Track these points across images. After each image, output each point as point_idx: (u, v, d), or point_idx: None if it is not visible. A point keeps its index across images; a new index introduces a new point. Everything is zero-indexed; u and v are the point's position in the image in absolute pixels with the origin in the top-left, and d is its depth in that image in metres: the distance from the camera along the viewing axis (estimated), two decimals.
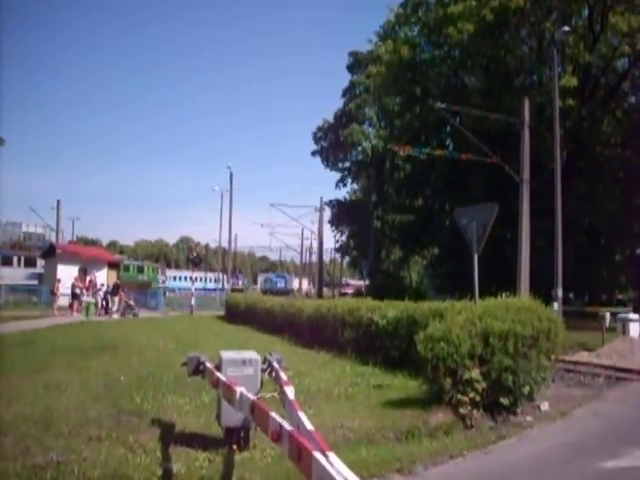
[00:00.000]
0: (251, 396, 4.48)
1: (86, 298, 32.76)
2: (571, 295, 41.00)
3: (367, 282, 60.77)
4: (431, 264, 53.19)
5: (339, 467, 2.82)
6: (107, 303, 35.26)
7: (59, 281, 34.49)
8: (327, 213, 61.86)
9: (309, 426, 3.72)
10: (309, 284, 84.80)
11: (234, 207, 56.87)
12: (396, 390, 10.37)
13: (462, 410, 8.56)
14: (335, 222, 64.40)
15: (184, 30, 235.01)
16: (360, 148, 58.44)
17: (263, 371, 6.81)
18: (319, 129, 63.04)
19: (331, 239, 70.91)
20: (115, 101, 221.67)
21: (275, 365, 6.59)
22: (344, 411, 8.78)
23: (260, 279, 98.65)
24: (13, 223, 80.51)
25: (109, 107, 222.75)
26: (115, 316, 33.53)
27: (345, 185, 64.13)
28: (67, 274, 36.15)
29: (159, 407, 8.76)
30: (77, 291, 33.41)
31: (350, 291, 74.93)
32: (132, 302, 35.94)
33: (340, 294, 66.62)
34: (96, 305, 34.63)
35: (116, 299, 36.18)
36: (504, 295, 11.03)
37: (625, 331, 17.40)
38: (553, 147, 24.39)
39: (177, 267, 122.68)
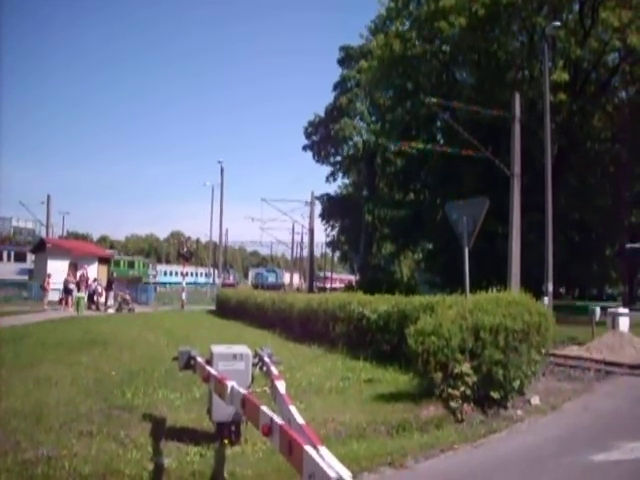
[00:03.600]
0: (242, 390, 4.47)
1: (77, 293, 32.59)
2: (562, 289, 41.17)
3: (357, 276, 60.83)
4: (423, 258, 53.26)
5: (330, 461, 2.82)
6: (97, 298, 35.11)
7: (49, 276, 34.31)
8: (318, 207, 61.82)
9: (300, 420, 3.71)
10: (300, 279, 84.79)
11: (225, 202, 56.83)
12: (387, 384, 10.38)
13: (453, 404, 8.59)
14: (326, 216, 64.31)
15: (176, 30, 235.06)
16: (351, 142, 58.42)
17: (254, 365, 6.79)
18: (310, 124, 62.85)
19: (322, 233, 70.95)
20: (106, 97, 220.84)
21: (266, 359, 6.57)
22: (335, 405, 8.78)
23: (251, 274, 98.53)
24: (3, 218, 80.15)
25: (100, 103, 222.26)
26: (110, 311, 33.42)
27: (335, 179, 64.20)
28: (57, 269, 35.97)
29: (150, 402, 8.74)
30: (71, 286, 33.26)
31: (329, 285, 74.89)
32: (128, 297, 35.81)
33: (318, 289, 65.89)
34: (93, 300, 34.52)
35: (111, 294, 36.07)
36: (495, 289, 11.07)
37: (615, 325, 17.47)
38: (544, 141, 24.47)
39: (168, 262, 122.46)
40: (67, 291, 33.27)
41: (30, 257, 50.27)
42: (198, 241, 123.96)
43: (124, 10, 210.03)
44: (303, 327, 17.97)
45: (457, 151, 27.44)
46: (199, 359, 6.68)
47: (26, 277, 47.57)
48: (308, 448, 2.91)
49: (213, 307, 35.29)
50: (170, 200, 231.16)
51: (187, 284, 43.17)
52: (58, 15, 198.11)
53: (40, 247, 43.76)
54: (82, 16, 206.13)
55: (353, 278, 76.88)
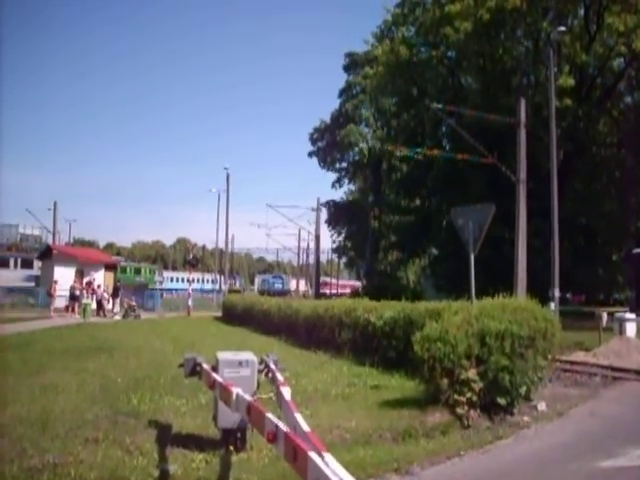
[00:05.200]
0: (247, 397, 4.48)
1: (84, 300, 32.67)
2: (568, 295, 40.91)
3: (364, 282, 60.62)
4: (430, 264, 53.03)
5: (335, 467, 2.82)
6: (104, 305, 35.22)
7: (56, 282, 34.42)
8: (324, 214, 61.77)
9: (305, 427, 3.71)
10: (306, 285, 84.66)
11: (231, 208, 56.90)
12: (393, 390, 10.37)
13: (459, 410, 8.56)
14: (332, 223, 64.24)
15: (180, 31, 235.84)
16: (357, 149, 58.44)
17: (260, 372, 6.79)
18: (316, 130, 62.87)
19: (328, 240, 70.85)
20: (112, 102, 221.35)
21: (272, 366, 6.57)
22: (341, 412, 8.77)
23: (257, 280, 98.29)
24: (10, 225, 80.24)
25: (106, 108, 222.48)
26: (116, 317, 33.52)
27: (341, 186, 64.14)
28: (64, 276, 36.10)
29: (156, 408, 8.75)
30: (77, 293, 33.35)
31: (333, 291, 74.36)
32: (134, 304, 35.92)
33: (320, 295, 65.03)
34: (101, 307, 34.65)
35: (117, 301, 36.15)
36: (501, 295, 11.04)
37: (622, 331, 17.35)
38: (550, 147, 24.41)
39: (174, 268, 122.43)
40: (73, 298, 33.40)
41: (37, 264, 50.32)
42: (204, 247, 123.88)
43: (127, 9, 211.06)
44: (309, 333, 17.97)
45: (463, 157, 27.40)
46: (205, 366, 6.67)
47: (33, 284, 47.61)
48: (312, 455, 2.91)
49: (219, 313, 35.31)
50: (176, 207, 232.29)
51: (193, 290, 43.22)
52: (59, 15, 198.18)
53: (47, 254, 43.89)
54: (83, 16, 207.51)
55: (355, 283, 76.54)
